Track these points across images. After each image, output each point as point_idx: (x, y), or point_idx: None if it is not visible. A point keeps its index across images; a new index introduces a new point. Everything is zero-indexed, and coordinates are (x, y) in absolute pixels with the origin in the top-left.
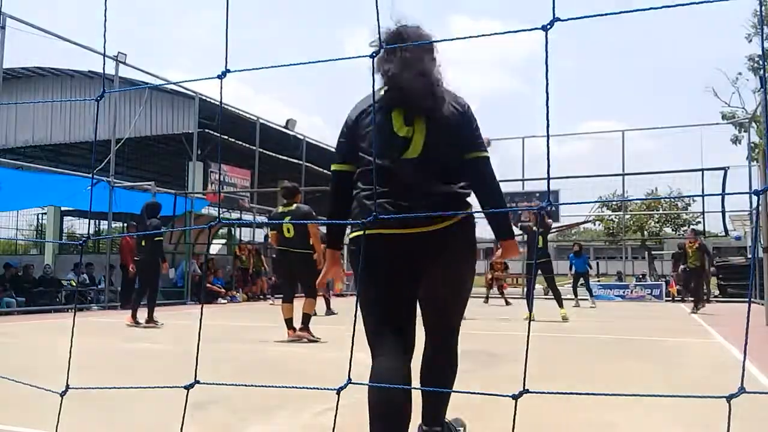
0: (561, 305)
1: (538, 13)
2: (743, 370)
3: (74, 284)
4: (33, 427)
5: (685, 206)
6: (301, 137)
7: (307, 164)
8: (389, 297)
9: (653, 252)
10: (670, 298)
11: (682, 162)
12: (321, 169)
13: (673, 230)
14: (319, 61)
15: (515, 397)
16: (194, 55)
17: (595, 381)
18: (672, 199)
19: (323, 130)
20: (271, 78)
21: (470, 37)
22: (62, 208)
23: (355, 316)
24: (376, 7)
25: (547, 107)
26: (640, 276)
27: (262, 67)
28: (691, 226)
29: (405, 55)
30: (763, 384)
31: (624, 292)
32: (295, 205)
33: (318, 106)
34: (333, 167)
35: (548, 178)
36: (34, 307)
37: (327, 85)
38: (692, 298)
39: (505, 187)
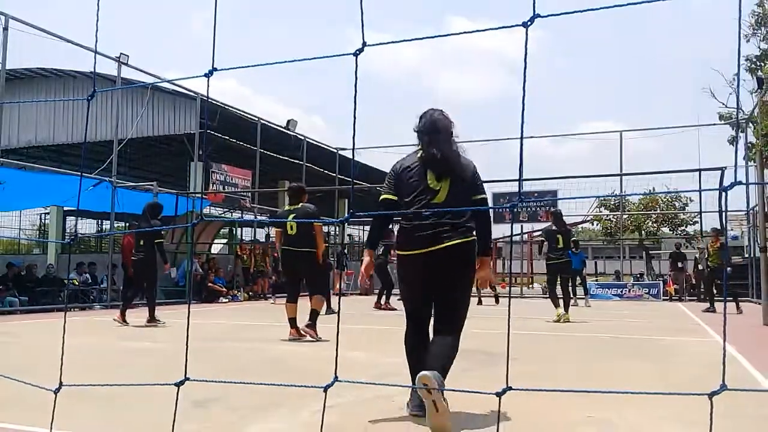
0: (557, 306)
1: (538, 14)
2: (723, 367)
3: (75, 283)
4: (34, 425)
5: (683, 206)
6: (302, 138)
7: (308, 165)
8: (414, 291)
9: (651, 252)
10: (667, 298)
11: (680, 163)
12: (321, 170)
13: (670, 230)
14: (303, 60)
15: (499, 395)
16: (196, 56)
17: (593, 379)
18: (653, 194)
19: (324, 130)
20: (271, 78)
21: (451, 34)
22: (65, 208)
23: (338, 316)
24: (361, 7)
25: (523, 104)
26: (638, 275)
27: (248, 66)
28: (712, 226)
29: (438, 137)
30: (760, 383)
31: (622, 292)
32: (300, 205)
33: (318, 106)
34: (383, 197)
35: (520, 180)
36: (37, 307)
37: (328, 86)
38: (706, 298)
39: (505, 187)
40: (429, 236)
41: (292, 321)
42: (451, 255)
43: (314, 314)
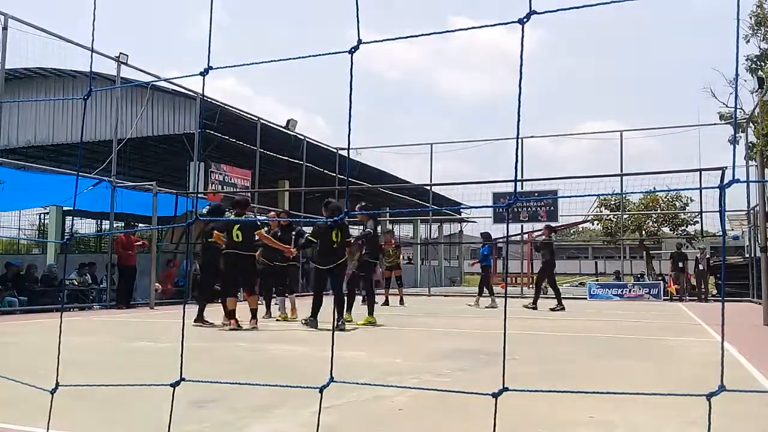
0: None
1: (539, 16)
2: (722, 368)
3: (75, 283)
4: (34, 425)
5: (683, 206)
6: (302, 137)
7: (308, 165)
8: (321, 285)
9: (651, 252)
10: (668, 298)
11: (680, 163)
12: (321, 170)
13: (671, 230)
14: (298, 58)
15: (495, 396)
16: (198, 56)
17: (594, 380)
18: (653, 193)
19: (324, 130)
20: (272, 78)
21: (447, 31)
22: (64, 208)
23: (334, 315)
24: (356, 5)
25: (519, 101)
26: (639, 275)
27: (243, 64)
28: (546, 223)
29: (338, 209)
30: (761, 383)
31: (622, 292)
32: (244, 216)
33: (320, 106)
34: (310, 237)
35: (515, 180)
36: (37, 307)
37: (329, 86)
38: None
39: (504, 187)
40: (330, 260)
41: (233, 312)
42: (339, 266)
43: (255, 312)
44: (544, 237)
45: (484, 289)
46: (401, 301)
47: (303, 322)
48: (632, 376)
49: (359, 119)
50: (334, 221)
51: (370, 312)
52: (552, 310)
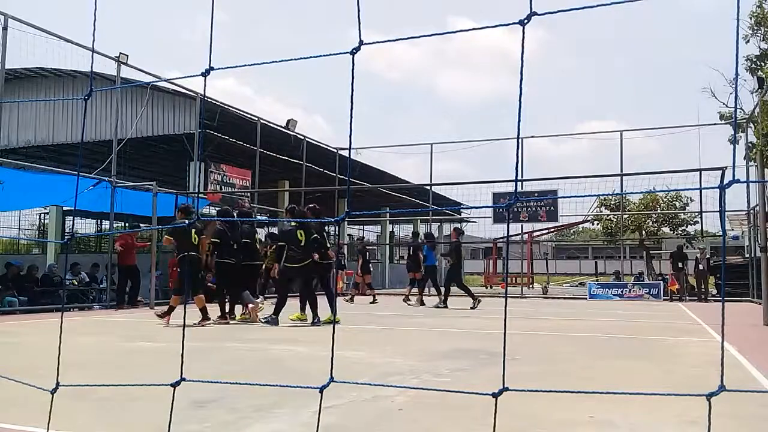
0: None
1: (540, 16)
2: (722, 369)
3: (75, 284)
4: (34, 425)
5: (683, 206)
6: (302, 137)
7: (308, 165)
8: (287, 283)
9: (651, 251)
10: (668, 297)
11: (680, 163)
12: (321, 170)
13: (671, 230)
14: (299, 59)
15: (495, 396)
16: (198, 56)
17: (594, 380)
18: (653, 193)
19: (324, 130)
20: (272, 78)
21: (448, 32)
22: (64, 208)
23: (334, 316)
24: (357, 5)
25: (520, 101)
26: (638, 275)
27: (244, 65)
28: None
29: (303, 215)
30: (761, 383)
31: (622, 292)
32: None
33: (320, 106)
34: (280, 243)
35: (515, 180)
36: (37, 307)
37: (329, 86)
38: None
39: (504, 187)
40: (299, 259)
41: (171, 309)
42: (311, 265)
43: (204, 311)
44: (452, 239)
45: (441, 287)
46: (406, 299)
47: (263, 320)
48: (632, 376)
49: (359, 119)
50: (300, 223)
51: (333, 311)
52: (472, 308)
